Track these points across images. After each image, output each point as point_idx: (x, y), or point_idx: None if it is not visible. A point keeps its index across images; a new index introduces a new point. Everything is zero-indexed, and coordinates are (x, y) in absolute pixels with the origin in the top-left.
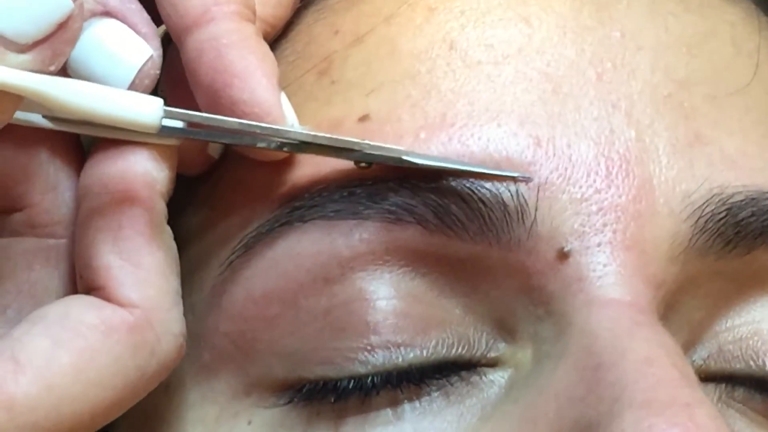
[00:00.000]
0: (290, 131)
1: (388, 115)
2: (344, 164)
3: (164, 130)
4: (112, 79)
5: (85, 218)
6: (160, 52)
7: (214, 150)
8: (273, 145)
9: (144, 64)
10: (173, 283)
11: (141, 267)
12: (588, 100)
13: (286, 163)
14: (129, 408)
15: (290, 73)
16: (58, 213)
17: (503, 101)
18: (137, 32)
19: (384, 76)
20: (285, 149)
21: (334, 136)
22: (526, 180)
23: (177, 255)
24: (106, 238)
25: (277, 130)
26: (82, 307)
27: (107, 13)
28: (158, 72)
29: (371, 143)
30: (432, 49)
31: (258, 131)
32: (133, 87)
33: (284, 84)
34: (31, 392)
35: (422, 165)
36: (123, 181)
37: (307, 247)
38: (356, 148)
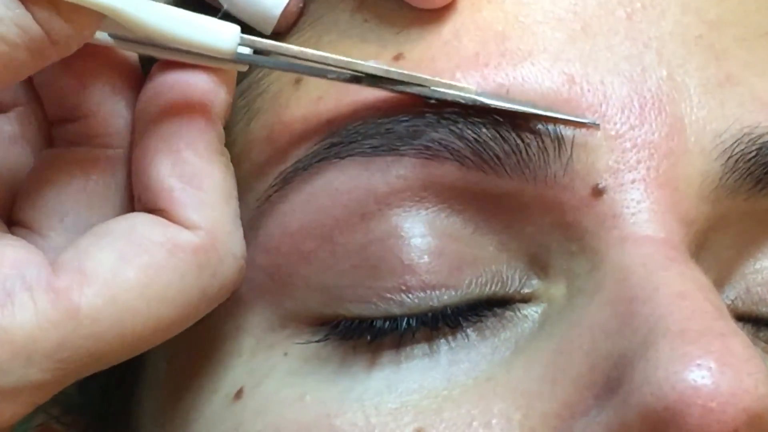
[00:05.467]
0: (362, 64)
1: (421, 55)
2: (382, 100)
3: (237, 57)
4: (260, 26)
5: (143, 139)
6: None
7: None
8: (344, 77)
9: (287, 4)
10: (233, 205)
11: (202, 189)
12: (618, 39)
13: (324, 99)
14: (186, 327)
15: (324, 10)
16: (115, 124)
17: (534, 40)
18: None
19: (413, 14)
20: (354, 81)
21: (406, 72)
22: (595, 126)
23: (234, 178)
24: (165, 161)
25: (349, 62)
26: (147, 224)
27: None
28: (302, 5)
29: (441, 80)
30: None
31: (330, 63)
32: (278, 28)
33: (318, 19)
34: (97, 304)
35: (494, 106)
36: (182, 102)
37: (344, 182)
38: (425, 84)
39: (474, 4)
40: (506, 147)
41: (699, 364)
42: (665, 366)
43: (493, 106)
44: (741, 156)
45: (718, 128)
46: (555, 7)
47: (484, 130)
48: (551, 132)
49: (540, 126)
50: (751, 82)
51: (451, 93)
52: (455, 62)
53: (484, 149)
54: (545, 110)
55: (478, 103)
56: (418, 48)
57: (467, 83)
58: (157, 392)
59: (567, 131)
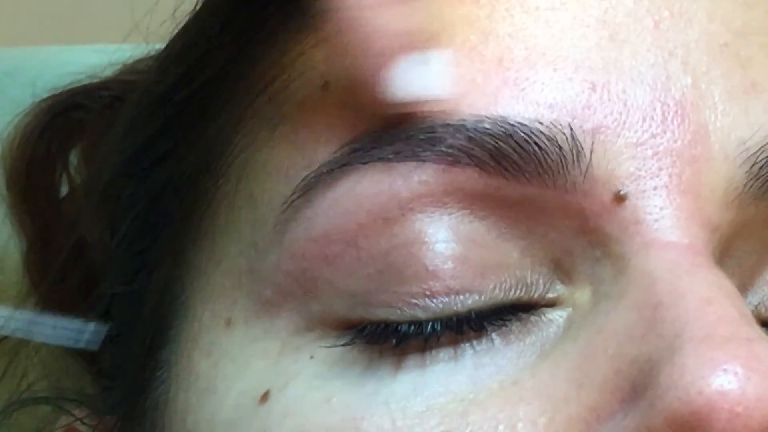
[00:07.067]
0: None
1: (446, 60)
2: (404, 107)
3: None
4: None
5: None
6: None
7: None
8: None
9: None
10: None
11: None
12: (645, 47)
13: (348, 105)
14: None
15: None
16: None
17: (560, 47)
18: None
19: (443, 22)
20: None
21: None
22: None
23: None
24: None
25: None
26: None
27: None
28: None
29: None
30: None
31: None
32: None
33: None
34: None
35: None
36: None
37: (367, 188)
38: None
39: (507, 9)
40: (525, 155)
41: (725, 369)
42: (692, 371)
43: None
44: (765, 163)
45: (743, 135)
46: (585, 15)
47: (503, 137)
48: (569, 139)
49: (557, 134)
50: None
51: None
52: (478, 66)
53: (504, 156)
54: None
55: None
56: (444, 53)
57: (488, 87)
58: (184, 394)
59: (585, 139)
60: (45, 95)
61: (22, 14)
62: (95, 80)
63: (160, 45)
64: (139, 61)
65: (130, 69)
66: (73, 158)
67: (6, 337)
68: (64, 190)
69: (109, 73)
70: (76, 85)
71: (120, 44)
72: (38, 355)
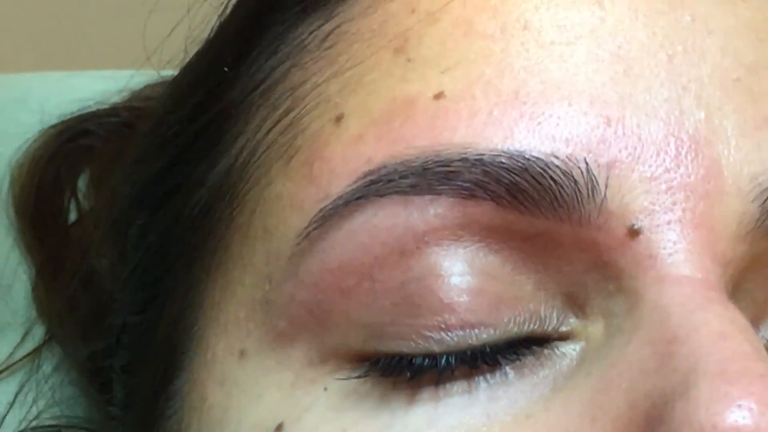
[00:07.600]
0: None
1: (462, 93)
2: (420, 140)
3: None
4: None
5: None
6: None
7: None
8: None
9: None
10: None
11: None
12: (659, 82)
13: (364, 138)
14: None
15: (366, 50)
16: None
17: (575, 81)
18: None
19: (459, 55)
20: None
21: None
22: None
23: None
24: None
25: None
26: None
27: None
28: None
29: None
30: (506, 29)
31: None
32: None
33: (360, 61)
34: None
35: None
36: None
37: (383, 220)
38: None
39: (522, 44)
40: (540, 189)
41: (740, 405)
42: (706, 406)
43: None
44: None
45: (755, 170)
46: (599, 49)
47: (518, 172)
48: (584, 174)
49: (572, 168)
50: None
51: None
52: (494, 101)
53: (520, 190)
54: None
55: None
56: (459, 86)
57: (504, 121)
58: (197, 424)
59: (600, 174)
60: (53, 121)
61: (31, 40)
62: (104, 106)
63: (168, 72)
64: (148, 87)
65: (139, 95)
66: (82, 184)
67: (15, 364)
68: (73, 216)
69: (117, 99)
70: (84, 112)
71: (128, 70)
72: (48, 383)
